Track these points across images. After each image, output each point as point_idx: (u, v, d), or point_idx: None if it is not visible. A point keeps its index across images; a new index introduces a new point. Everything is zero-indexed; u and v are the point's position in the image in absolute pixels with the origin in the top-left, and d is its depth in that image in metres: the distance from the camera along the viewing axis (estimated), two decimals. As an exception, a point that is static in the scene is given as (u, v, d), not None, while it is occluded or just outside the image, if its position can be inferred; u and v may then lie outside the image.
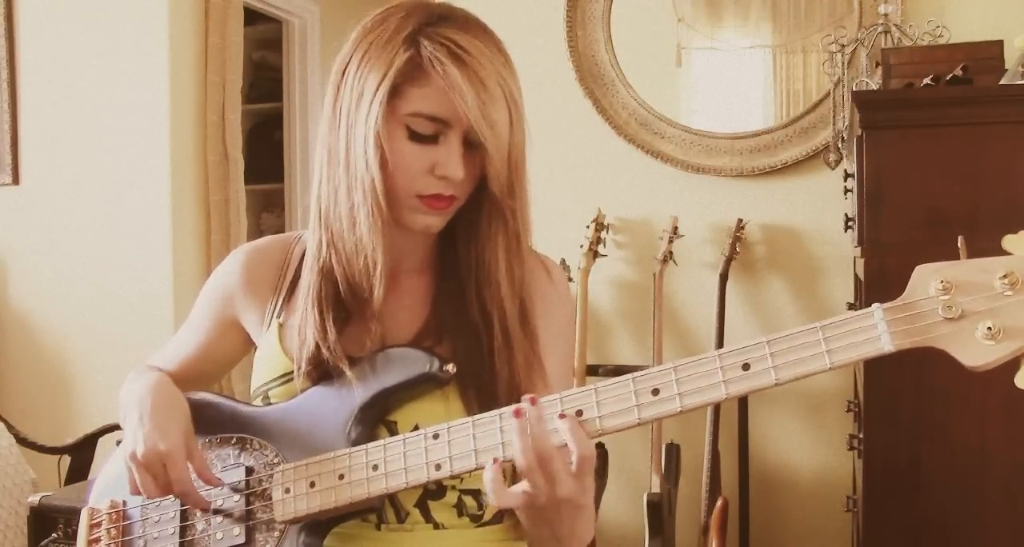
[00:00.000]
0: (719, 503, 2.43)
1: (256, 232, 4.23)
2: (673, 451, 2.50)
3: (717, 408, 2.49)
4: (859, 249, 1.82)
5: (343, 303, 1.09)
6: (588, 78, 2.73)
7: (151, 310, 3.08)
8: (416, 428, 1.04)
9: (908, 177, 1.69)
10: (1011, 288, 0.78)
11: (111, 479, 1.21)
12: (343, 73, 1.07)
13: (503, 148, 1.03)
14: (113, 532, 1.16)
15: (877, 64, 2.16)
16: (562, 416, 0.91)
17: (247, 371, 1.20)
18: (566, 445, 0.89)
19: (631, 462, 2.69)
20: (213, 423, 1.13)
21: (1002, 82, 1.81)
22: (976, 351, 0.78)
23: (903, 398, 1.68)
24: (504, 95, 1.02)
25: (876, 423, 1.71)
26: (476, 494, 1.11)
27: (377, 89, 1.02)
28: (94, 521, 1.18)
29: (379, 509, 1.06)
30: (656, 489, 2.41)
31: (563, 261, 2.62)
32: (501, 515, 1.14)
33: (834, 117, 2.42)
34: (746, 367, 0.86)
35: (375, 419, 1.06)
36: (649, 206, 2.72)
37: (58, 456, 2.73)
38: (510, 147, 1.04)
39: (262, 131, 4.32)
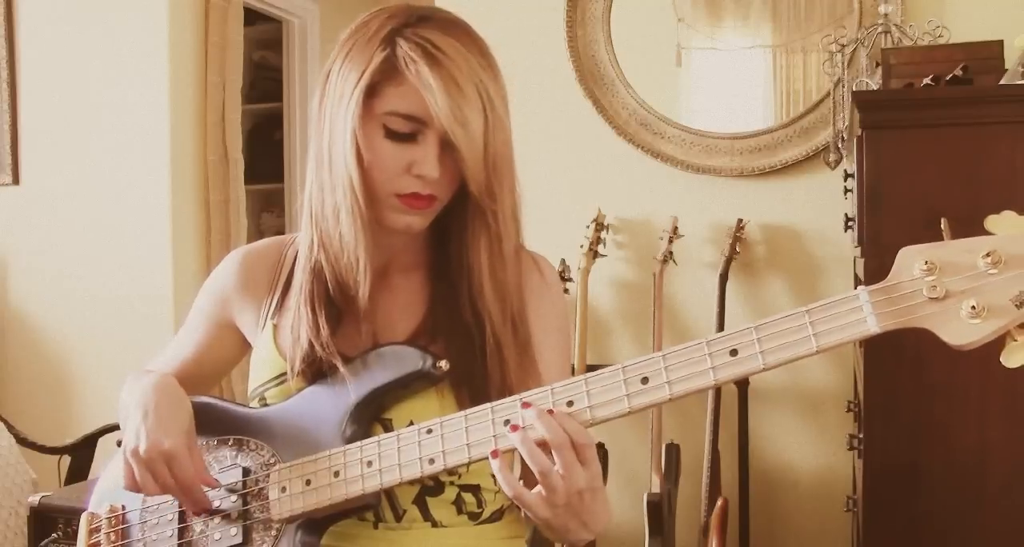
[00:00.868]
0: (719, 503, 2.43)
1: (256, 232, 4.23)
2: (673, 451, 2.50)
3: (717, 408, 2.49)
4: (859, 249, 1.82)
5: (334, 302, 1.10)
6: (588, 78, 2.73)
7: (151, 310, 3.08)
8: (411, 425, 1.05)
9: (908, 177, 1.69)
10: (994, 267, 0.78)
11: (111, 484, 1.21)
12: (328, 75, 1.08)
13: (477, 149, 1.03)
14: (112, 537, 1.16)
15: (877, 64, 2.16)
16: (525, 405, 0.92)
17: (247, 372, 1.20)
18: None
19: (631, 462, 2.69)
20: (210, 425, 1.13)
21: (1002, 82, 1.81)
22: (961, 330, 0.78)
23: (903, 398, 1.68)
24: (480, 96, 1.02)
25: (876, 423, 1.71)
26: (475, 490, 1.11)
27: (355, 88, 1.03)
28: (93, 526, 1.19)
29: (376, 507, 1.06)
30: (656, 489, 2.40)
31: (563, 261, 2.62)
32: (500, 513, 1.14)
33: (834, 117, 2.42)
34: (734, 353, 0.86)
35: (370, 417, 1.06)
36: (649, 206, 2.72)
37: (58, 456, 2.73)
38: (486, 148, 1.03)
39: (262, 131, 4.32)
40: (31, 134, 3.25)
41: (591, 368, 2.72)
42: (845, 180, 2.24)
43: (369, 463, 1.00)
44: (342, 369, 1.06)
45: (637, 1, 2.72)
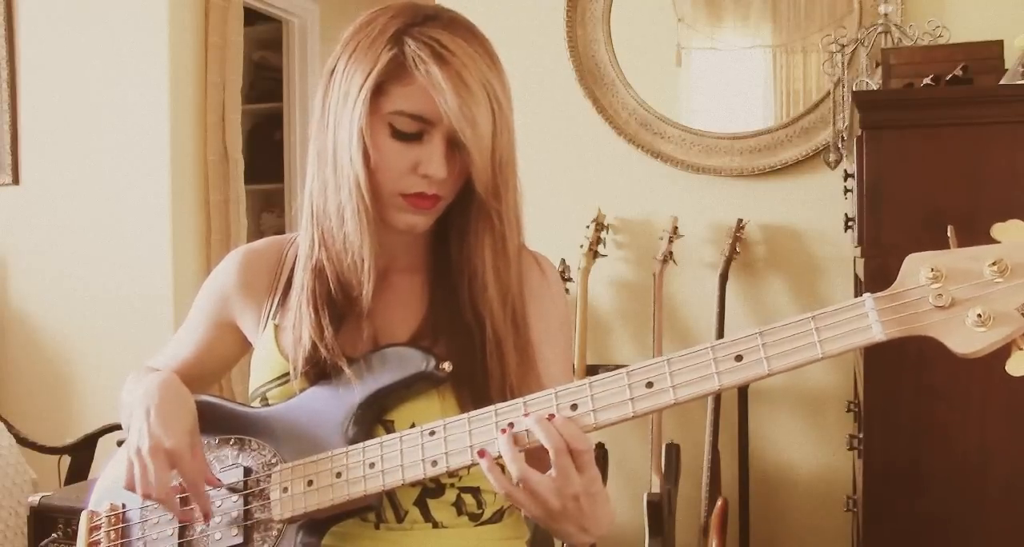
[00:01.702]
0: (719, 503, 2.43)
1: (256, 232, 4.23)
2: (673, 451, 2.50)
3: (717, 408, 2.49)
4: (859, 249, 1.82)
5: (336, 302, 1.10)
6: (588, 78, 2.73)
7: (151, 310, 3.08)
8: (413, 427, 1.04)
9: (908, 177, 1.69)
10: (1000, 275, 0.78)
11: (111, 482, 1.21)
12: (332, 73, 1.08)
13: (485, 149, 1.03)
14: (112, 535, 1.16)
15: (877, 64, 2.16)
16: (550, 417, 0.92)
17: (247, 372, 1.20)
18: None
19: (631, 462, 2.68)
20: (212, 425, 1.13)
21: (1002, 82, 1.81)
22: (967, 338, 0.78)
23: (903, 398, 1.68)
24: (488, 96, 1.02)
25: (876, 423, 1.71)
26: (476, 492, 1.11)
27: (362, 87, 1.02)
28: (93, 524, 1.19)
29: (378, 508, 1.06)
30: (656, 489, 2.40)
31: (563, 261, 2.62)
32: (500, 514, 1.14)
33: (834, 117, 2.42)
34: (739, 358, 0.86)
35: (372, 418, 1.06)
36: (649, 206, 2.72)
37: (58, 456, 2.73)
38: (493, 148, 1.04)
39: (262, 131, 4.32)
40: (31, 134, 3.25)
41: (591, 368, 2.74)
42: (845, 180, 2.24)
43: (372, 464, 1.00)
44: (347, 371, 1.05)
45: (637, 1, 2.72)
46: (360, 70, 1.03)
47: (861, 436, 1.79)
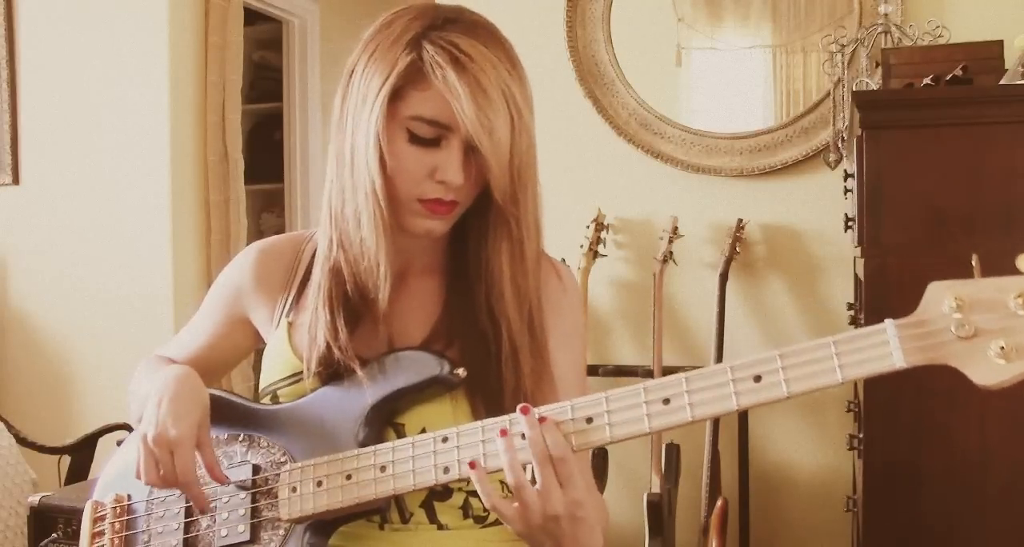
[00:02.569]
0: (719, 503, 2.43)
1: (256, 232, 4.23)
2: (673, 451, 2.50)
3: (717, 408, 2.48)
4: (859, 249, 1.82)
5: (352, 303, 1.09)
6: (588, 78, 2.73)
7: (151, 310, 3.08)
8: (423, 431, 1.04)
9: (908, 177, 1.69)
10: None
11: (116, 472, 1.21)
12: (351, 74, 1.07)
13: (503, 156, 1.02)
14: (117, 526, 1.16)
15: (877, 64, 2.16)
16: (542, 419, 0.91)
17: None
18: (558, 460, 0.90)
19: (631, 462, 2.68)
20: (221, 420, 1.13)
21: (1002, 82, 1.81)
22: (988, 370, 0.78)
23: (903, 398, 1.68)
24: (506, 102, 1.01)
25: (876, 423, 1.71)
26: None
27: (379, 91, 1.01)
28: (98, 515, 1.18)
29: (385, 510, 1.06)
30: (656, 489, 2.40)
31: (563, 261, 2.61)
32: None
33: (834, 117, 2.42)
34: (758, 379, 0.86)
35: (383, 421, 1.06)
36: (649, 206, 2.72)
37: (58, 456, 2.73)
38: (512, 155, 1.03)
39: (262, 131, 4.32)
40: (31, 134, 3.25)
41: (591, 368, 2.73)
42: (845, 180, 2.24)
43: (383, 468, 1.00)
44: (360, 373, 1.05)
45: (637, 1, 2.72)
46: (378, 73, 1.02)
47: (861, 436, 1.79)
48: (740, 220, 2.57)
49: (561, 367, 1.13)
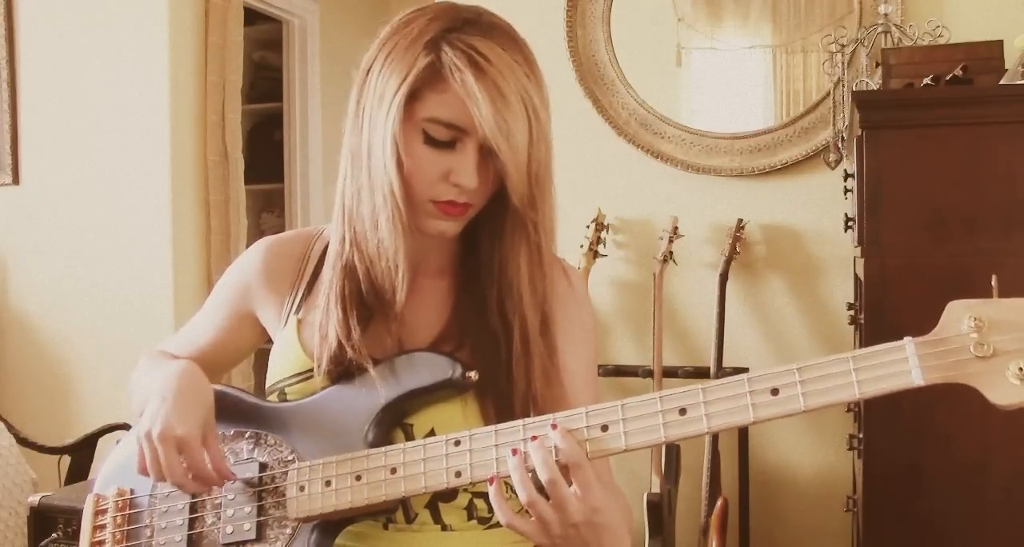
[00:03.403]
0: (719, 503, 2.43)
1: (256, 232, 4.23)
2: (673, 451, 2.50)
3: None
4: (859, 249, 1.82)
5: (365, 303, 1.09)
6: (588, 78, 2.73)
7: (151, 310, 3.08)
8: (432, 432, 1.04)
9: (908, 177, 1.69)
10: None
11: (118, 466, 1.19)
12: (367, 73, 1.06)
13: (521, 160, 1.01)
14: (119, 520, 1.15)
15: (877, 64, 2.16)
16: (554, 426, 0.91)
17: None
18: (569, 470, 0.90)
19: (631, 462, 2.68)
20: (228, 416, 1.12)
21: (1002, 82, 1.81)
22: (1006, 390, 0.78)
23: (903, 398, 1.67)
24: (524, 106, 1.00)
25: (876, 423, 1.71)
26: (488, 497, 1.10)
27: (396, 92, 1.01)
28: (100, 508, 1.17)
29: (393, 511, 1.06)
30: (656, 489, 2.40)
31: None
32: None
33: (834, 117, 2.42)
34: (775, 392, 0.86)
35: (393, 421, 1.06)
36: (649, 206, 2.72)
37: (58, 456, 2.73)
38: (529, 159, 1.01)
39: (262, 131, 4.32)
40: (31, 134, 3.25)
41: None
42: (845, 180, 2.24)
43: (393, 470, 0.99)
44: (372, 373, 1.05)
45: (637, 1, 2.72)
46: (396, 74, 1.01)
47: (861, 436, 1.79)
48: (740, 220, 2.57)
49: (571, 369, 1.12)
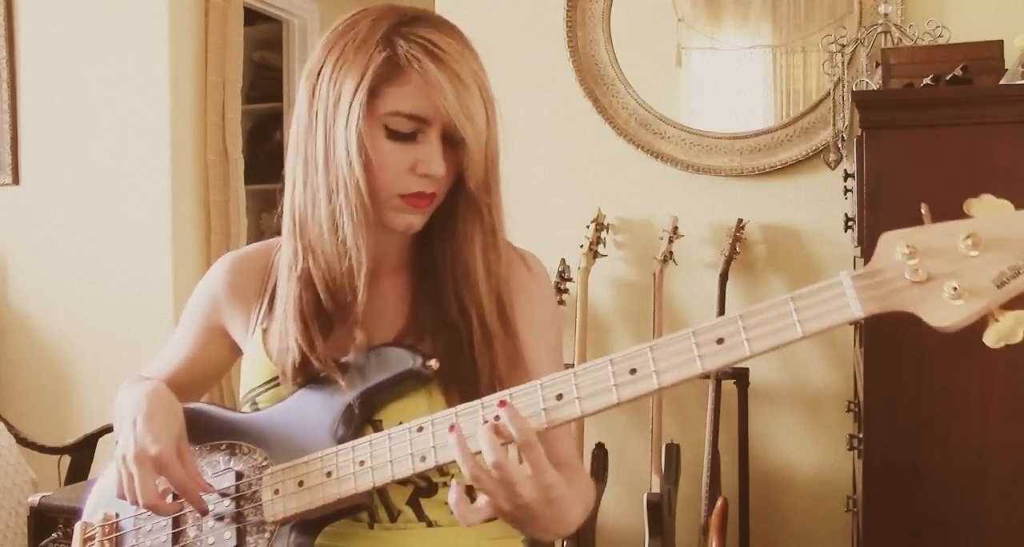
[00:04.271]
0: (719, 503, 2.43)
1: (256, 232, 4.23)
2: (673, 451, 2.50)
3: (717, 408, 2.48)
4: (859, 249, 1.82)
5: (325, 310, 1.10)
6: (588, 78, 2.73)
7: (151, 310, 3.08)
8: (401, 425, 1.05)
9: (908, 177, 1.69)
10: (974, 248, 0.79)
11: (105, 491, 1.21)
12: (317, 78, 1.08)
13: (482, 142, 1.04)
14: (107, 545, 1.17)
15: (877, 64, 2.16)
16: (502, 403, 0.92)
17: (237, 388, 1.21)
18: (520, 449, 0.91)
19: (631, 462, 2.69)
20: (203, 431, 1.14)
21: (1002, 82, 1.81)
22: (944, 311, 0.79)
23: (903, 398, 1.68)
24: (480, 91, 1.04)
25: (876, 423, 1.71)
26: (469, 490, 1.11)
27: (356, 91, 1.03)
28: (87, 535, 1.19)
29: (369, 507, 1.06)
30: (656, 489, 2.41)
31: (563, 261, 2.62)
32: (494, 512, 1.14)
33: (834, 117, 2.42)
34: (720, 341, 0.87)
35: (362, 419, 1.07)
36: (649, 206, 2.72)
37: (58, 456, 2.73)
38: (488, 143, 1.05)
39: (262, 131, 4.32)
40: (31, 134, 3.25)
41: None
42: (845, 180, 2.24)
43: (361, 463, 1.00)
44: (339, 380, 1.06)
45: (637, 1, 2.72)
46: (351, 74, 1.03)
47: (861, 436, 1.79)
48: (740, 220, 2.57)
49: (536, 355, 1.13)
